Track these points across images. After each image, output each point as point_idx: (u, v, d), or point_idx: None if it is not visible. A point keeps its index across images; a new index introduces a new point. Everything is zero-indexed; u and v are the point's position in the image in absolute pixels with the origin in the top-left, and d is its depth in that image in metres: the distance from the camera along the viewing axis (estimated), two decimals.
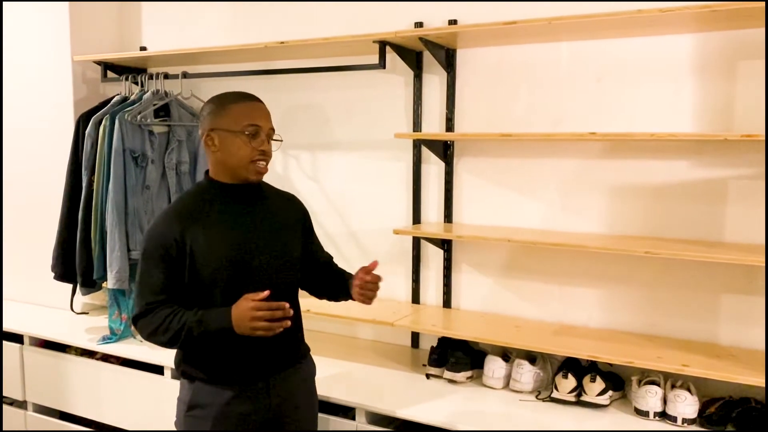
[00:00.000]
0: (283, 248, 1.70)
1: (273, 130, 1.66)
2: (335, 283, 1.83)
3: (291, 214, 1.77)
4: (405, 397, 1.96)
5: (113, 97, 2.64)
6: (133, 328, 1.65)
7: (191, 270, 1.58)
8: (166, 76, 2.63)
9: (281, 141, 1.71)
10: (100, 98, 2.75)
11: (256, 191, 1.70)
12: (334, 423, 1.99)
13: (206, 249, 1.58)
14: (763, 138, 1.62)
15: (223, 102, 1.63)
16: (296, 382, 1.73)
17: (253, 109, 1.62)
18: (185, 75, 2.62)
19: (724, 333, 1.96)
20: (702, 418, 1.80)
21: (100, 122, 2.49)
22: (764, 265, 1.67)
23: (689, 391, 1.82)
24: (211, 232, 1.60)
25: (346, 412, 2.02)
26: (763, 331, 1.90)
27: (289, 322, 1.53)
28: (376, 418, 1.97)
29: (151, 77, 2.64)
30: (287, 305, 1.52)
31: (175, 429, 1.71)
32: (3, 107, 2.95)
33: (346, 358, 2.31)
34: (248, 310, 1.49)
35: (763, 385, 1.67)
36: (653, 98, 1.98)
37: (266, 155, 1.62)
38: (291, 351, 1.73)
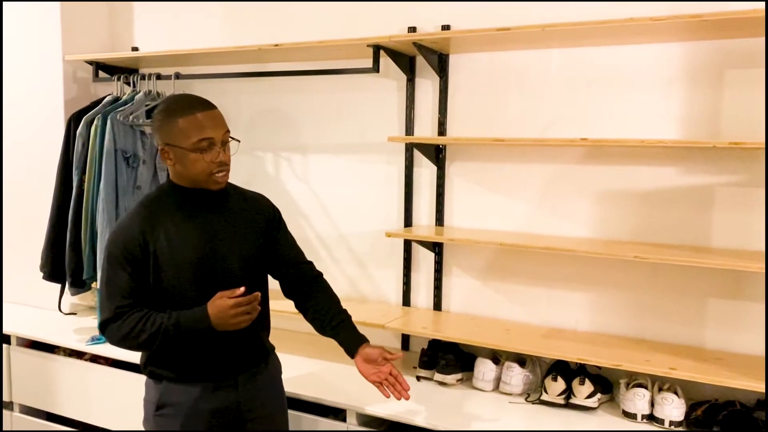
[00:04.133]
0: (245, 249, 1.68)
1: (228, 134, 1.60)
2: (319, 307, 1.78)
3: (254, 215, 1.73)
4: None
5: (105, 97, 2.64)
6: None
7: (155, 272, 1.58)
8: (159, 77, 2.62)
9: (238, 142, 1.65)
10: (91, 98, 2.74)
11: (218, 193, 1.67)
12: (325, 424, 1.99)
13: (168, 251, 1.58)
14: (750, 146, 1.65)
15: (171, 114, 1.56)
16: (263, 379, 1.74)
17: (202, 121, 1.55)
18: (178, 76, 2.62)
19: (710, 337, 1.99)
20: (689, 420, 1.82)
21: (91, 122, 2.49)
22: (759, 270, 1.70)
23: (676, 394, 1.84)
24: (173, 235, 1.59)
25: (337, 413, 2.03)
26: (748, 335, 1.94)
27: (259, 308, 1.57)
28: (367, 420, 1.98)
29: (143, 77, 2.63)
30: (259, 294, 1.58)
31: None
32: (3, 106, 2.91)
33: (336, 360, 2.30)
34: (229, 308, 1.53)
35: (748, 388, 1.70)
36: (643, 105, 2.01)
37: (224, 165, 1.59)
38: (257, 349, 1.73)
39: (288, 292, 1.83)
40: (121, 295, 1.57)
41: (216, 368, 1.66)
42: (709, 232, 1.96)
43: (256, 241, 1.72)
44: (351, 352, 1.73)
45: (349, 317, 1.78)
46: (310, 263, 1.85)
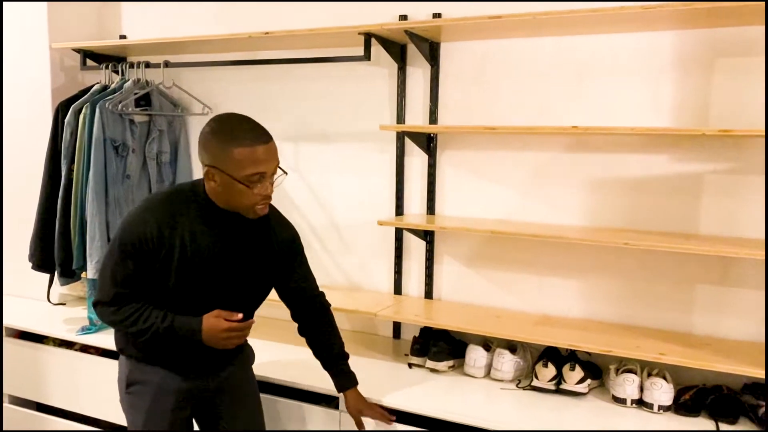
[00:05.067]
0: (257, 271, 1.69)
1: (278, 165, 1.57)
2: (322, 342, 1.83)
3: (275, 240, 1.72)
4: (388, 386, 1.98)
5: (93, 85, 2.61)
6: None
7: (161, 270, 1.57)
8: (148, 65, 2.60)
9: (286, 174, 1.60)
10: (79, 87, 2.71)
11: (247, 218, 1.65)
12: (318, 412, 2.00)
13: (181, 255, 1.57)
14: (739, 133, 1.67)
15: (229, 139, 1.50)
16: (234, 365, 1.77)
17: (259, 154, 1.50)
18: (167, 64, 2.60)
19: (698, 323, 2.02)
20: (677, 405, 1.85)
21: (79, 111, 2.47)
22: (747, 256, 1.72)
23: (665, 379, 1.87)
24: (190, 241, 1.58)
25: (329, 401, 2.04)
26: (735, 321, 1.97)
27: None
28: None
29: (131, 66, 2.61)
30: (253, 321, 1.66)
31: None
32: (3, 102, 2.87)
33: None
34: (222, 330, 1.58)
35: (736, 372, 1.72)
36: (633, 93, 2.02)
37: (268, 198, 1.58)
38: (231, 354, 1.73)
39: (295, 318, 1.86)
40: (122, 283, 1.58)
41: (187, 360, 1.68)
42: (698, 219, 1.99)
43: (270, 266, 1.72)
44: (341, 389, 1.83)
45: (347, 357, 1.85)
46: (321, 295, 1.87)
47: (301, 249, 1.82)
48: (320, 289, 1.88)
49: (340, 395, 1.85)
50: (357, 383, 1.83)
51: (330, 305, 1.88)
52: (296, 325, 1.85)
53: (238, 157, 1.49)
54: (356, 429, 1.83)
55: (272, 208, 1.75)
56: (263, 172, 1.52)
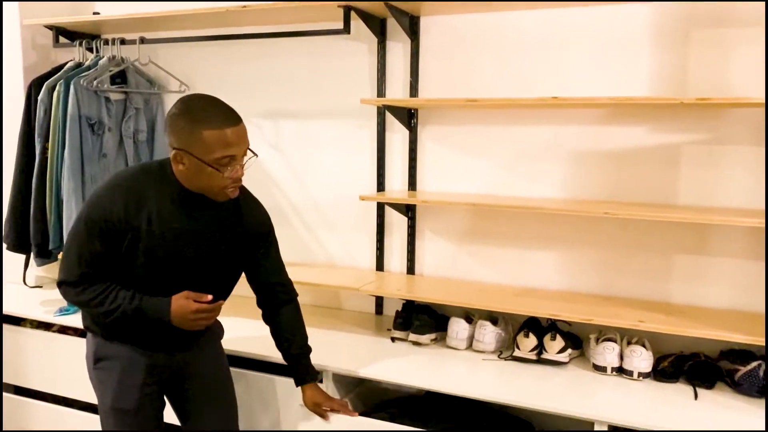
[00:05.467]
0: (225, 254, 1.66)
1: (248, 148, 1.54)
2: (283, 332, 1.79)
3: (245, 224, 1.69)
4: (371, 359, 1.98)
5: (66, 63, 2.56)
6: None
7: (128, 251, 1.55)
8: (123, 42, 2.56)
9: (256, 156, 1.58)
10: (52, 65, 2.65)
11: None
12: (289, 384, 1.97)
13: (147, 236, 1.54)
14: (716, 101, 1.69)
15: (196, 122, 1.47)
16: (203, 341, 1.76)
17: (229, 137, 1.47)
18: (143, 40, 2.55)
19: (676, 292, 2.05)
20: (656, 371, 1.88)
21: (53, 88, 2.42)
22: (723, 223, 1.74)
23: (644, 346, 1.89)
24: (157, 222, 1.55)
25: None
26: (712, 289, 2.00)
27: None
28: (344, 383, 2.00)
29: (106, 43, 2.56)
30: (222, 303, 1.65)
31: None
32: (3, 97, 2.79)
33: (310, 324, 2.30)
34: (191, 312, 1.57)
35: (713, 338, 1.76)
36: (613, 65, 2.03)
37: (239, 181, 1.55)
38: (199, 332, 1.72)
39: (260, 305, 1.82)
40: (87, 262, 1.55)
41: (155, 336, 1.67)
42: (676, 189, 2.01)
43: (238, 249, 1.69)
44: (299, 383, 1.80)
45: (308, 351, 1.81)
46: (288, 286, 1.82)
47: (274, 240, 1.78)
48: (288, 280, 1.83)
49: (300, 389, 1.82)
50: (316, 379, 1.80)
51: (297, 295, 1.84)
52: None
53: (208, 140, 1.46)
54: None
55: (246, 193, 1.72)
56: (233, 155, 1.49)
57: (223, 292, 1.71)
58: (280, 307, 1.80)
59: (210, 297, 1.60)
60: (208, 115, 1.47)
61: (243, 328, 2.16)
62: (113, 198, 1.53)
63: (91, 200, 1.56)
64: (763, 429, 1.58)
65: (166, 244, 1.56)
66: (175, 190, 1.57)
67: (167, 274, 1.60)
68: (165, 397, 1.79)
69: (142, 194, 1.55)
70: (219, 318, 1.83)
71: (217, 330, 1.85)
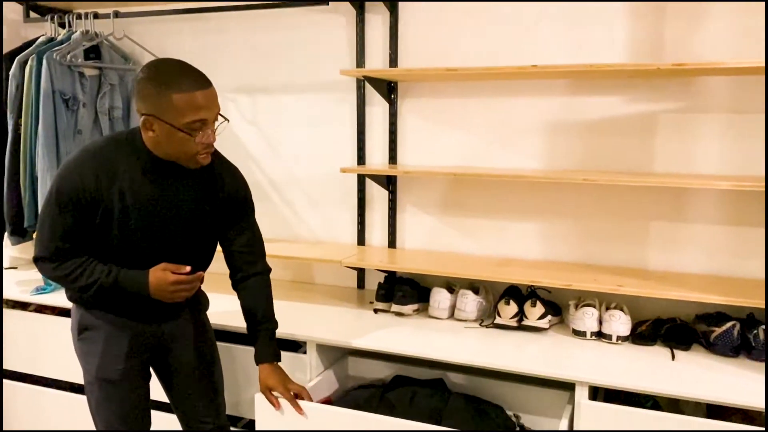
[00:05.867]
0: (201, 221, 1.63)
1: (219, 112, 1.51)
2: (248, 304, 1.72)
3: (220, 190, 1.65)
4: (354, 330, 1.99)
5: (37, 38, 2.50)
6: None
7: (102, 224, 1.53)
8: (96, 16, 2.51)
9: (228, 121, 1.56)
10: (22, 41, 2.59)
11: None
12: (285, 357, 1.99)
13: (121, 207, 1.52)
14: (691, 67, 1.72)
15: (164, 86, 1.43)
16: (188, 311, 1.75)
17: (199, 100, 1.44)
18: (117, 14, 2.51)
19: (653, 259, 2.09)
20: (634, 335, 1.92)
21: (25, 62, 2.37)
22: (699, 186, 1.78)
23: (623, 311, 1.93)
24: (130, 193, 1.52)
25: (296, 348, 2.04)
26: (688, 255, 2.05)
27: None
28: (328, 354, 2.01)
29: (79, 17, 2.51)
30: (202, 274, 1.61)
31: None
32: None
33: (293, 299, 2.32)
34: (170, 284, 1.55)
35: (689, 299, 1.80)
36: (591, 34, 2.05)
37: (210, 147, 1.51)
38: (182, 303, 1.70)
39: (231, 275, 1.76)
40: (61, 236, 1.53)
41: (138, 306, 1.65)
42: (653, 158, 2.05)
43: (215, 217, 1.66)
44: (258, 361, 1.70)
45: (273, 328, 1.73)
46: (261, 258, 1.75)
47: (250, 208, 1.73)
48: (263, 252, 1.76)
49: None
50: (275, 360, 1.70)
51: (269, 270, 1.77)
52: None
53: (177, 103, 1.42)
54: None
55: (221, 159, 1.69)
56: (204, 118, 1.46)
57: (202, 263, 1.69)
58: (250, 278, 1.73)
59: (188, 268, 1.57)
60: (177, 78, 1.44)
61: (228, 302, 2.14)
62: (83, 171, 1.50)
63: (61, 173, 1.52)
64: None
65: (139, 216, 1.54)
66: (146, 159, 1.54)
67: (143, 246, 1.57)
68: (151, 370, 1.78)
69: (112, 165, 1.52)
70: (205, 291, 1.82)
71: (203, 301, 1.83)
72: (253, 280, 1.72)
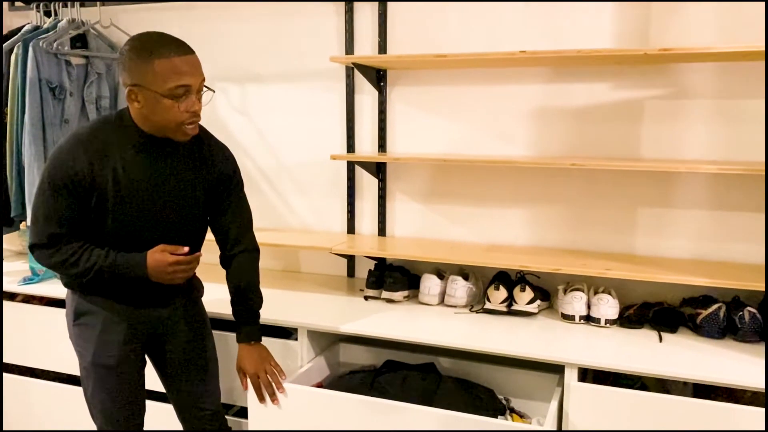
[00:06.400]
0: (193, 199, 1.63)
1: (204, 82, 1.52)
2: (233, 280, 1.73)
3: (209, 167, 1.65)
4: (345, 316, 1.99)
5: (23, 26, 2.48)
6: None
7: (97, 207, 1.53)
8: (82, 4, 2.49)
9: (213, 92, 1.59)
10: (7, 29, 2.57)
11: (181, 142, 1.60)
12: (275, 344, 2.00)
13: (114, 189, 1.52)
14: (677, 52, 1.73)
15: (146, 53, 1.44)
16: (183, 297, 1.75)
17: (181, 65, 1.44)
18: (103, 2, 2.49)
19: (640, 244, 2.11)
20: (622, 319, 1.94)
21: (11, 51, 2.34)
22: (686, 170, 1.80)
23: (611, 295, 1.95)
24: (123, 173, 1.52)
25: (287, 335, 2.04)
26: (675, 240, 2.07)
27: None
28: (319, 341, 2.01)
29: (65, 5, 2.49)
30: (200, 255, 1.62)
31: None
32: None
33: (283, 287, 2.32)
34: (168, 265, 1.55)
35: (676, 282, 1.82)
36: (578, 20, 2.07)
37: (196, 115, 1.51)
38: (177, 287, 1.70)
39: (219, 246, 1.76)
40: (57, 222, 1.52)
41: (134, 291, 1.65)
42: (639, 144, 2.07)
43: (206, 193, 1.66)
44: (240, 339, 1.73)
45: (256, 307, 1.74)
46: (249, 237, 1.76)
47: (238, 182, 1.73)
48: (251, 232, 1.77)
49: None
50: (251, 340, 1.72)
51: (258, 250, 1.77)
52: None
53: (160, 69, 1.43)
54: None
55: (210, 136, 1.70)
56: (188, 84, 1.46)
57: (196, 241, 1.69)
58: (237, 255, 1.72)
59: (186, 249, 1.58)
60: (159, 46, 1.45)
61: (221, 291, 2.14)
62: (75, 154, 1.50)
63: (53, 159, 1.51)
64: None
65: (133, 196, 1.54)
66: (137, 138, 1.54)
67: (138, 226, 1.57)
68: (146, 357, 1.77)
69: (104, 147, 1.52)
70: (203, 276, 1.82)
71: (198, 286, 1.83)
72: (241, 256, 1.73)
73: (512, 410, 1.89)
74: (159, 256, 1.55)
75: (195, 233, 1.68)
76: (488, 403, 1.77)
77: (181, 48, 1.47)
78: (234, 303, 1.74)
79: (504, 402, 1.86)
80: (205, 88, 1.53)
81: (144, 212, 1.57)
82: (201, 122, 1.72)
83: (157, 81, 1.44)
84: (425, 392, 1.74)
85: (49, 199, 1.51)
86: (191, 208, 1.64)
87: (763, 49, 1.66)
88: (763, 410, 1.51)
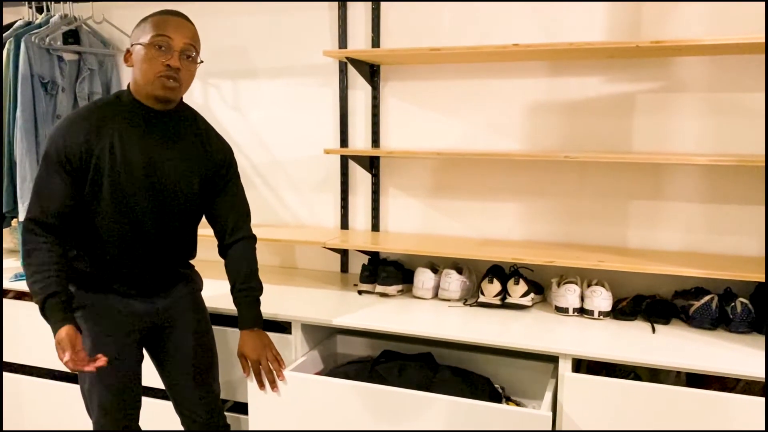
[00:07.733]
0: (186, 182, 1.63)
1: (192, 47, 1.55)
2: (231, 268, 1.74)
3: (206, 154, 1.67)
4: (339, 310, 1.99)
5: (15, 21, 2.47)
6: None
7: (92, 183, 1.54)
8: (75, 0, 2.48)
9: (201, 62, 1.62)
10: None
11: (176, 118, 1.63)
12: (272, 339, 1.99)
13: (110, 165, 1.53)
14: (669, 44, 1.75)
15: (143, 20, 1.57)
16: (180, 292, 1.75)
17: (168, 21, 1.54)
18: None
19: (633, 237, 2.12)
20: (615, 311, 1.95)
21: (2, 46, 2.33)
22: (678, 162, 1.81)
23: (604, 287, 1.96)
24: (119, 149, 1.54)
25: (282, 330, 2.04)
26: (666, 233, 2.08)
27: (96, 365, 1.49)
28: (313, 334, 2.01)
29: (57, 1, 2.48)
30: (105, 359, 1.49)
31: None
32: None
33: (277, 282, 2.31)
34: (62, 354, 1.46)
35: (668, 273, 1.83)
36: (571, 14, 2.08)
37: (175, 72, 1.53)
38: (172, 277, 1.72)
39: (216, 235, 1.78)
40: (51, 199, 1.53)
41: (131, 284, 1.66)
42: (631, 137, 2.08)
43: (199, 178, 1.66)
44: (242, 326, 1.72)
45: (255, 294, 1.74)
46: (246, 224, 1.77)
47: (234, 173, 1.74)
48: (248, 221, 1.77)
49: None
50: (254, 326, 1.71)
51: (255, 238, 1.78)
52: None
53: (147, 25, 1.54)
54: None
55: (208, 125, 1.72)
56: (169, 36, 1.52)
57: (188, 229, 1.69)
58: (234, 243, 1.74)
59: (106, 360, 1.49)
60: (158, 13, 1.57)
61: (220, 286, 2.15)
62: (73, 129, 1.53)
63: (51, 137, 1.54)
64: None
65: (129, 172, 1.55)
66: (133, 113, 1.58)
67: (133, 203, 1.57)
68: (144, 350, 1.77)
69: (101, 123, 1.55)
70: (200, 273, 1.81)
71: (197, 280, 1.82)
72: (240, 244, 1.74)
73: (508, 398, 1.89)
74: (65, 341, 1.46)
75: (188, 216, 1.67)
76: (485, 391, 1.77)
77: (175, 12, 1.58)
78: (235, 290, 1.74)
79: (500, 390, 1.87)
80: (195, 57, 1.58)
81: (139, 185, 1.57)
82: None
83: (143, 34, 1.54)
84: (422, 381, 1.74)
85: (43, 174, 1.54)
86: (186, 189, 1.64)
87: (758, 41, 1.67)
88: (756, 398, 1.52)
